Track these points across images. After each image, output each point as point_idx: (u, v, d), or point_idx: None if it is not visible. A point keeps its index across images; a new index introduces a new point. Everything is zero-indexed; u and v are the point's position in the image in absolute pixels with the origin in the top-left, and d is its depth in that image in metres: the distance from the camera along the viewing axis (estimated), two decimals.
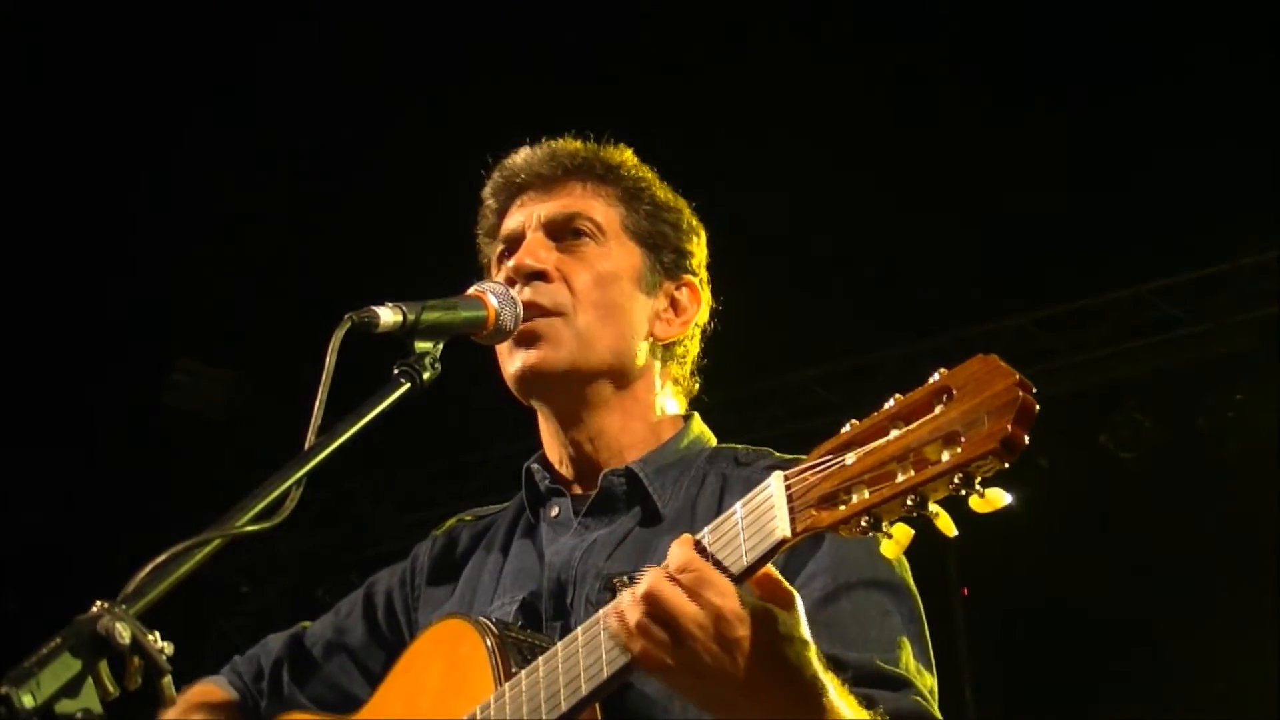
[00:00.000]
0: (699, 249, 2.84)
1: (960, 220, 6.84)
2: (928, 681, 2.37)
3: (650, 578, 2.01)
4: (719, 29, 6.48)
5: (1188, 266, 7.07)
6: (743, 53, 6.52)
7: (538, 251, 2.70)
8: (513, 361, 2.66)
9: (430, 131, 6.62)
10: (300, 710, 2.93)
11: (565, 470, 2.75)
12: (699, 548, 2.04)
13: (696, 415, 2.80)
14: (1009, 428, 1.76)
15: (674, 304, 2.78)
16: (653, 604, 1.99)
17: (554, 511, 2.72)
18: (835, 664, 2.17)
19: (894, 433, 1.88)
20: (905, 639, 2.38)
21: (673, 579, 2.01)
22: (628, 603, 2.03)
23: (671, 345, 2.77)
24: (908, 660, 2.36)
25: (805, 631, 2.05)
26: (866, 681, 2.22)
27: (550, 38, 6.51)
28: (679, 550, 2.03)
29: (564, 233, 2.74)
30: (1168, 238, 6.82)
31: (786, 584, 2.05)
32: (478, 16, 6.42)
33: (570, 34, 6.47)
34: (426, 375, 2.38)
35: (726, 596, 1.98)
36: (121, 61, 6.47)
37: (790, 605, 2.04)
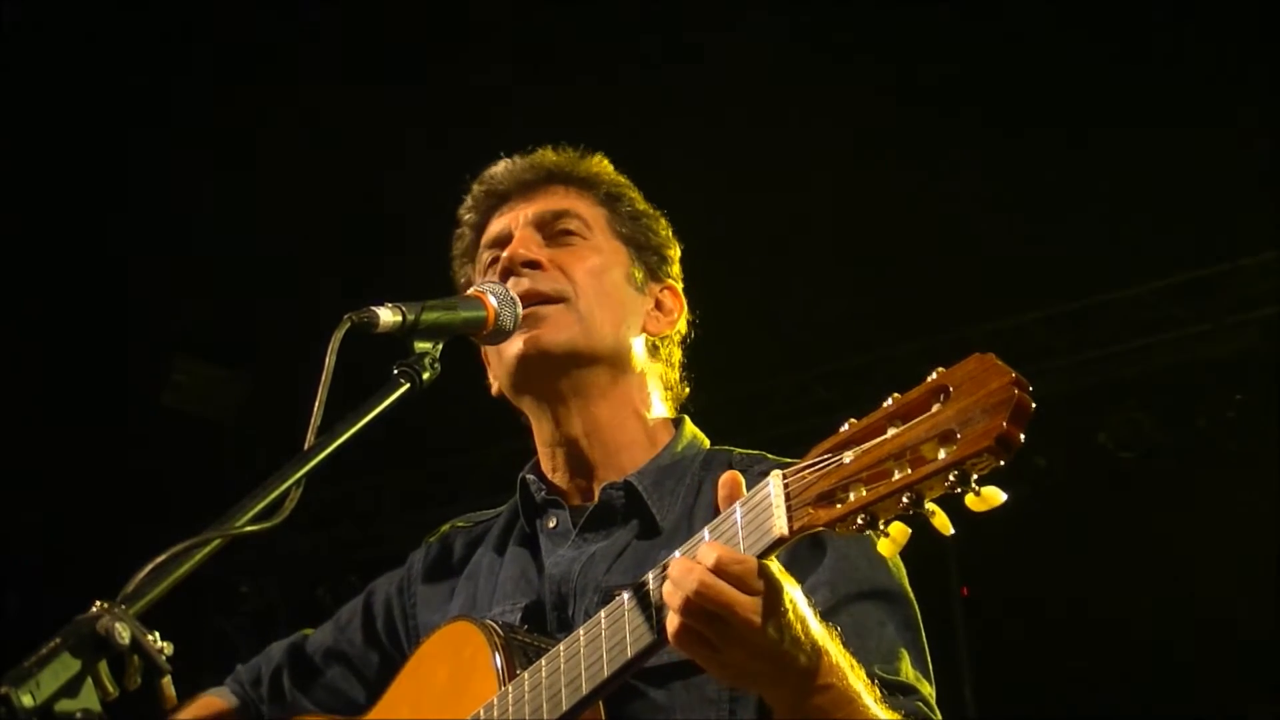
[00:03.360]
0: (676, 259, 2.89)
1: (960, 220, 6.83)
2: (926, 690, 2.39)
3: (700, 576, 1.99)
4: (719, 30, 6.47)
5: (1188, 266, 7.07)
6: (745, 52, 6.51)
7: (530, 245, 2.72)
8: (512, 345, 2.64)
9: (430, 131, 6.62)
10: (304, 714, 2.94)
11: (560, 479, 2.75)
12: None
13: (687, 418, 2.81)
14: (1004, 425, 1.76)
15: (659, 304, 2.81)
16: (707, 598, 1.99)
17: (552, 523, 2.72)
18: None
19: (891, 431, 1.89)
20: (902, 648, 2.40)
21: (719, 573, 2.00)
22: (669, 593, 2.03)
23: (658, 344, 2.79)
24: (906, 670, 2.38)
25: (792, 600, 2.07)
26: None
27: (548, 44, 6.51)
28: (713, 550, 2.01)
29: (552, 230, 2.76)
30: (1168, 238, 6.82)
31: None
32: (478, 19, 6.43)
33: (565, 40, 6.48)
34: (426, 375, 2.38)
35: (769, 579, 2.00)
36: (125, 59, 6.47)
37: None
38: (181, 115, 6.78)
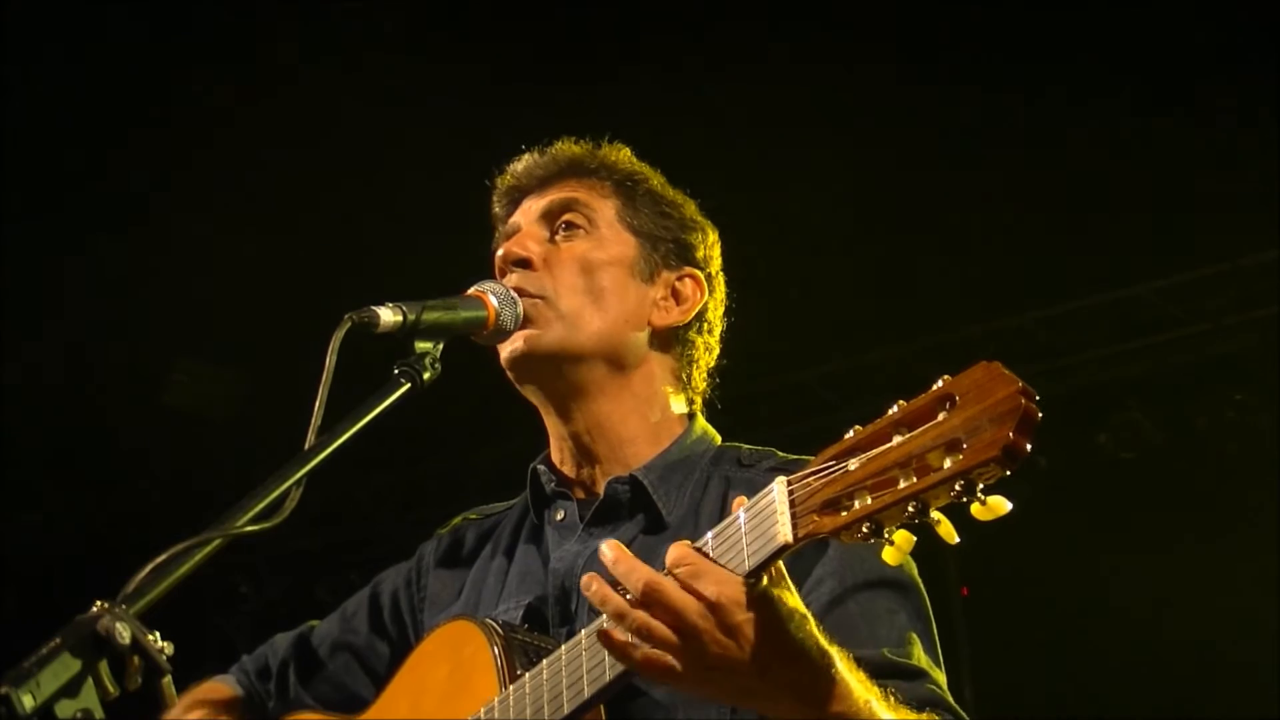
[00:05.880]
0: (705, 246, 2.84)
1: (961, 220, 6.83)
2: (939, 676, 2.38)
3: (646, 576, 2.00)
4: (724, 29, 6.47)
5: (1188, 266, 7.07)
6: (749, 51, 6.50)
7: (526, 242, 2.73)
8: (505, 347, 2.66)
9: (431, 130, 6.61)
10: (306, 710, 2.94)
11: (568, 470, 2.75)
12: (700, 552, 2.03)
13: (700, 415, 2.80)
14: (1010, 435, 1.75)
15: (674, 294, 2.77)
16: (652, 600, 1.99)
17: (559, 515, 2.72)
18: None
19: (897, 439, 1.88)
20: (914, 634, 2.38)
21: (669, 574, 2.00)
22: (622, 610, 2.02)
23: (671, 337, 2.76)
24: (919, 655, 2.37)
25: (802, 605, 2.06)
26: (880, 674, 2.22)
27: (551, 37, 6.51)
28: (674, 549, 2.03)
29: (556, 224, 2.77)
30: (1168, 238, 6.81)
31: (779, 563, 2.05)
32: (479, 16, 6.42)
33: (569, 33, 6.47)
34: (426, 375, 2.39)
35: (724, 584, 1.98)
36: (120, 55, 6.46)
37: (783, 581, 2.04)
38: (180, 114, 6.77)
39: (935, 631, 2.44)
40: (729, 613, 1.97)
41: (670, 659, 2.00)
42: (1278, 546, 6.61)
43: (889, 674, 2.25)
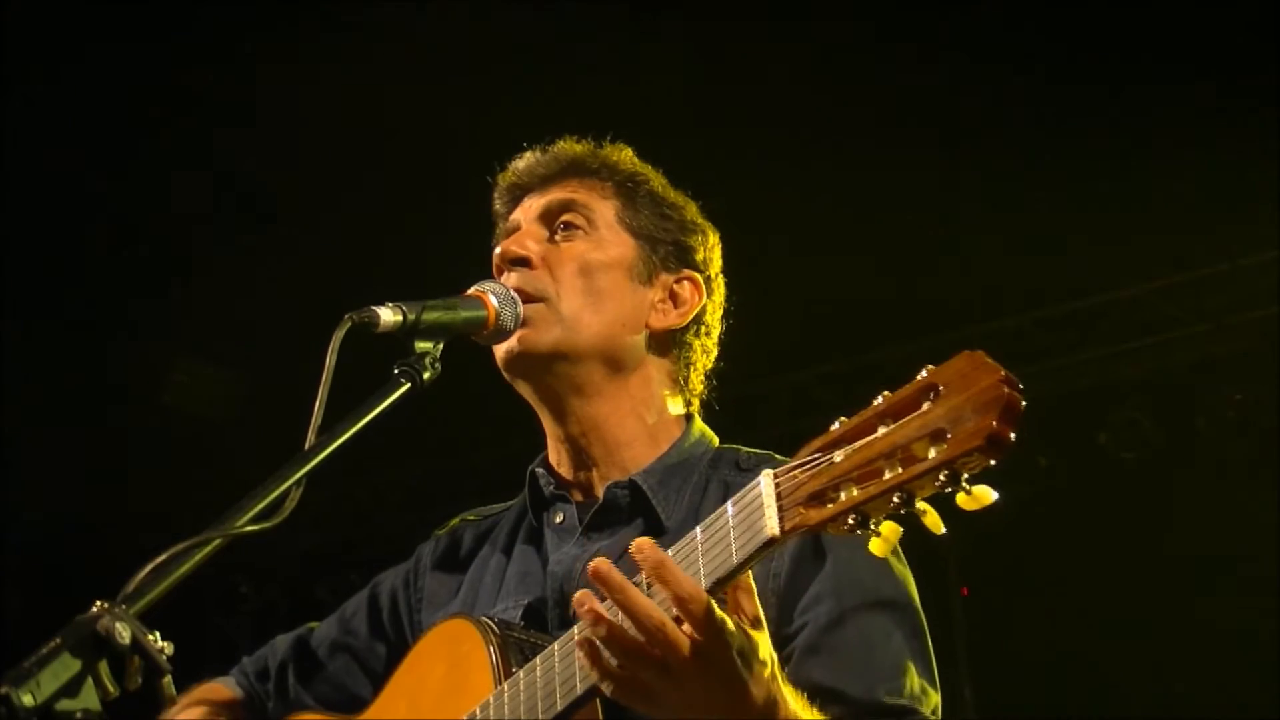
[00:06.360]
0: (705, 248, 2.83)
1: (960, 220, 6.83)
2: (932, 701, 2.38)
3: (655, 620, 1.99)
4: (724, 26, 6.47)
5: (1188, 266, 7.07)
6: (750, 50, 6.50)
7: (525, 241, 2.72)
8: (501, 346, 2.66)
9: (430, 130, 6.61)
10: (306, 710, 2.94)
11: (566, 472, 2.74)
12: (693, 558, 2.03)
13: (697, 416, 2.79)
14: (994, 424, 1.75)
15: (673, 296, 2.76)
16: (655, 641, 1.98)
17: (559, 518, 2.71)
18: (838, 698, 2.21)
19: (882, 430, 1.88)
20: (909, 660, 2.37)
21: (679, 605, 1.98)
22: (597, 627, 2.02)
23: (669, 340, 2.75)
24: (912, 684, 2.36)
25: (769, 653, 2.06)
26: (870, 713, 2.24)
27: (550, 30, 6.50)
28: (680, 587, 1.99)
29: (555, 223, 2.76)
30: (1168, 238, 6.82)
31: (759, 610, 2.06)
32: (478, 12, 6.42)
33: (566, 28, 6.46)
34: (426, 375, 2.38)
35: (713, 633, 1.98)
36: (120, 55, 6.47)
37: (761, 626, 2.05)
38: (180, 114, 6.77)
39: (931, 648, 2.44)
40: (718, 662, 1.98)
41: (641, 682, 2.01)
42: (1278, 547, 6.61)
43: (879, 713, 2.27)
